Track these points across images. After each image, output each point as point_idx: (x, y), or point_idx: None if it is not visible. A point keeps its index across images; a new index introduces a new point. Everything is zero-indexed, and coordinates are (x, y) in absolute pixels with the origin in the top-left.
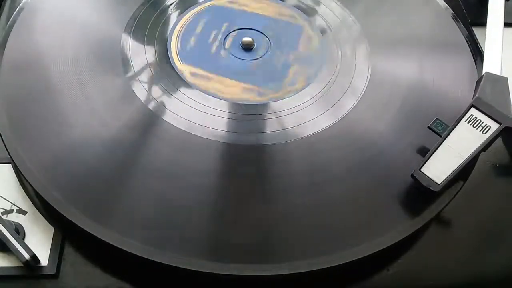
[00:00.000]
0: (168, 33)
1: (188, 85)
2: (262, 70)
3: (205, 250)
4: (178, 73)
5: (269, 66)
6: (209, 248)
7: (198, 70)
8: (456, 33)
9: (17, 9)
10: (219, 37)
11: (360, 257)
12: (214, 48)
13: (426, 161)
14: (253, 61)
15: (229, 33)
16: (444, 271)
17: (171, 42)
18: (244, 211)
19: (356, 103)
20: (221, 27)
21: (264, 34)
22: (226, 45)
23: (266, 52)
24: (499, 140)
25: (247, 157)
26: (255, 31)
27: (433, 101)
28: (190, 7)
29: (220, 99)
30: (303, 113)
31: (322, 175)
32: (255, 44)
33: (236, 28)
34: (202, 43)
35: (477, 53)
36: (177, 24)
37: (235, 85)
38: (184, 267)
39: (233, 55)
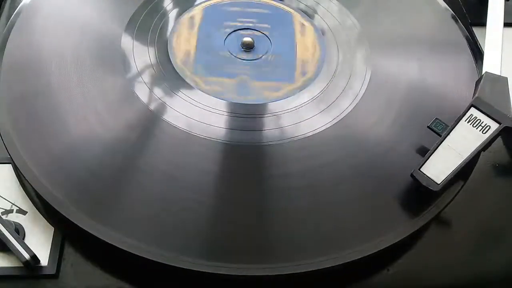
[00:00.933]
0: (169, 33)
1: (188, 85)
2: (271, 66)
3: (205, 250)
4: (179, 73)
5: (276, 61)
6: (209, 248)
7: (211, 78)
8: (456, 33)
9: (17, 9)
10: (224, 38)
11: (360, 257)
12: (220, 52)
13: (426, 161)
14: (258, 60)
15: (229, 34)
16: (444, 271)
17: (172, 42)
18: (244, 211)
19: (356, 103)
20: (222, 27)
21: (264, 34)
22: (231, 48)
23: (267, 51)
24: (499, 140)
25: (247, 158)
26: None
27: (433, 101)
28: (190, 7)
29: (221, 99)
30: (303, 114)
31: (322, 175)
32: (255, 44)
33: (236, 28)
34: (207, 47)
35: (477, 53)
36: (177, 23)
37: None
38: (184, 267)
39: (238, 58)
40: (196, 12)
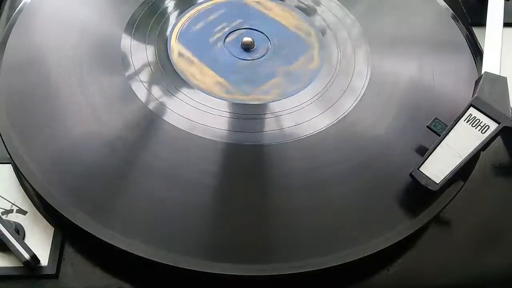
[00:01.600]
0: (168, 32)
1: (188, 85)
2: (245, 72)
3: (205, 250)
4: (178, 72)
5: (254, 70)
6: (209, 248)
7: (187, 52)
8: (456, 33)
9: (17, 9)
10: (225, 30)
11: (360, 257)
12: (214, 38)
13: (425, 160)
14: (243, 61)
15: (236, 29)
16: (444, 271)
17: (172, 42)
18: (244, 211)
19: (355, 103)
20: (233, 21)
21: (269, 40)
22: (227, 39)
23: (261, 57)
24: (499, 140)
25: (247, 157)
26: (262, 35)
27: (433, 101)
28: (190, 6)
29: (221, 99)
30: (303, 113)
31: (322, 175)
32: (255, 45)
33: (246, 27)
34: (206, 31)
35: (477, 53)
36: (177, 23)
37: (211, 76)
38: (184, 267)
39: (227, 50)
40: (195, 12)
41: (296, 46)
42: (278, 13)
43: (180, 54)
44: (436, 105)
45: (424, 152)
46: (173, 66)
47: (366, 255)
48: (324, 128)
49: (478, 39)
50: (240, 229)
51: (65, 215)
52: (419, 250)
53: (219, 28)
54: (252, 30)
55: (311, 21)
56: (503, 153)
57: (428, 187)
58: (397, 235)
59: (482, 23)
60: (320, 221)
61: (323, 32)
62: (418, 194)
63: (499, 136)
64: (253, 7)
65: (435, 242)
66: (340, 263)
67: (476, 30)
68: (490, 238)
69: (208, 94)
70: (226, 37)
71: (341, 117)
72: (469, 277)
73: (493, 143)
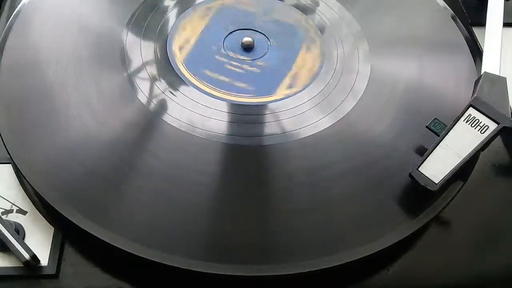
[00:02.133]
0: (169, 32)
1: (188, 84)
2: (245, 71)
3: (205, 250)
4: (178, 72)
5: (254, 70)
6: (209, 248)
7: (212, 78)
8: (455, 33)
9: (17, 9)
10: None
11: (360, 257)
12: (221, 51)
13: (424, 160)
14: (243, 61)
15: (236, 30)
16: (444, 271)
17: (172, 41)
18: (244, 211)
19: (355, 103)
20: (225, 29)
21: (268, 38)
22: (227, 40)
23: (261, 56)
24: (499, 140)
25: (247, 157)
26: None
27: (432, 101)
28: (190, 6)
29: (221, 99)
30: (302, 113)
31: (322, 175)
32: (255, 45)
33: (246, 27)
34: (208, 47)
35: (477, 53)
36: (178, 23)
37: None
38: (184, 267)
39: (228, 50)
40: (211, 6)
41: (293, 36)
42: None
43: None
44: (435, 105)
45: (423, 152)
46: (172, 66)
47: (366, 255)
48: (324, 128)
49: (478, 39)
50: (240, 229)
51: (65, 215)
52: (419, 250)
53: (216, 40)
54: (251, 30)
55: (314, 21)
56: (503, 153)
57: (427, 187)
58: (397, 235)
59: (482, 23)
60: (320, 221)
61: (322, 31)
62: (418, 194)
63: (499, 136)
64: (241, 8)
65: (435, 242)
66: (340, 263)
67: (476, 30)
68: (490, 238)
69: (207, 94)
70: (225, 38)
71: (341, 116)
72: (469, 277)
73: (493, 143)
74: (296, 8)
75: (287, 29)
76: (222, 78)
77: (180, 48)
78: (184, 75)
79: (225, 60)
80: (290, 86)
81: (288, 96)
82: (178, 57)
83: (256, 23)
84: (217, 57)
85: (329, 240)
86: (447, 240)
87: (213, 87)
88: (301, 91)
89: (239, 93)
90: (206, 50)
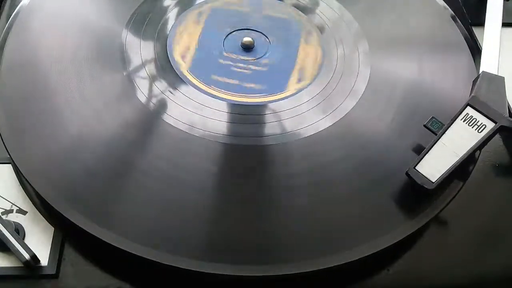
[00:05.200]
0: (169, 31)
1: (187, 84)
2: (245, 71)
3: (205, 250)
4: (178, 72)
5: (254, 70)
6: (209, 248)
7: (212, 78)
8: (455, 33)
9: (17, 8)
10: (223, 37)
11: (360, 257)
12: (221, 51)
13: (421, 159)
14: (243, 60)
15: (236, 30)
16: (444, 271)
17: (173, 41)
18: (244, 211)
19: (355, 103)
20: (225, 29)
21: (267, 37)
22: (227, 40)
23: (261, 56)
24: (499, 140)
25: (246, 157)
26: (261, 34)
27: (432, 101)
28: (190, 6)
29: (221, 99)
30: (302, 113)
31: (322, 175)
32: (254, 45)
33: (244, 27)
34: (208, 47)
35: (476, 53)
36: (178, 23)
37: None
38: (184, 267)
39: (227, 50)
40: (201, 10)
41: (289, 30)
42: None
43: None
44: (436, 105)
45: (421, 151)
46: (172, 65)
47: (366, 255)
48: (324, 127)
49: (478, 39)
50: (240, 229)
51: (65, 215)
52: (419, 250)
53: (216, 39)
54: (247, 30)
55: (313, 21)
56: (503, 153)
57: (424, 185)
58: (397, 235)
59: (482, 23)
60: (320, 221)
61: (322, 31)
62: (418, 194)
63: (499, 136)
64: (234, 9)
65: (435, 242)
66: (340, 263)
67: (476, 30)
68: (490, 238)
69: (207, 94)
70: (224, 40)
71: (341, 116)
72: (469, 277)
73: (493, 143)
74: (296, 8)
75: (282, 24)
76: (231, 81)
77: (182, 57)
78: (184, 74)
79: (230, 62)
80: (299, 80)
81: (300, 90)
82: (183, 66)
83: (250, 22)
84: (221, 61)
85: (329, 240)
86: (447, 240)
87: (224, 91)
88: (311, 83)
89: (251, 94)
90: (208, 56)
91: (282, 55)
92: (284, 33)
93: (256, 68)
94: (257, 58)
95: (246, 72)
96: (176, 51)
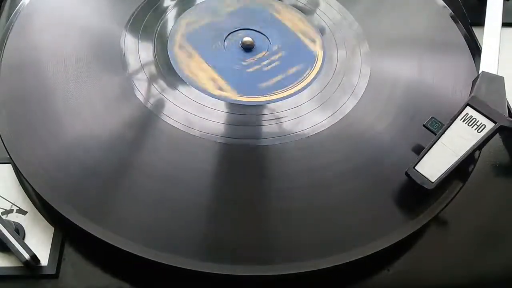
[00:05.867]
0: (168, 32)
1: (186, 84)
2: (245, 71)
3: (205, 250)
4: (178, 72)
5: (254, 70)
6: (208, 248)
7: (187, 45)
8: (455, 33)
9: (16, 8)
10: (230, 31)
11: (360, 257)
12: (218, 37)
13: (421, 159)
14: (243, 60)
15: (236, 30)
16: (444, 271)
17: (172, 41)
18: (244, 211)
19: (355, 103)
20: (238, 24)
21: (269, 41)
22: (228, 39)
23: (261, 57)
24: (499, 140)
25: (245, 157)
26: (264, 36)
27: (432, 101)
28: (189, 7)
29: (221, 99)
30: (302, 114)
31: (322, 176)
32: (255, 45)
33: (251, 28)
34: (211, 30)
35: (476, 53)
36: (177, 23)
37: (206, 71)
38: (184, 267)
39: (227, 50)
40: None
41: (300, 53)
42: (286, 16)
43: (181, 46)
44: (436, 105)
45: (421, 151)
46: (172, 66)
47: (366, 255)
48: (324, 128)
49: (478, 39)
50: (239, 229)
51: (65, 215)
52: (419, 250)
53: (224, 29)
54: (256, 32)
55: (313, 22)
56: (503, 153)
57: (424, 185)
58: (397, 235)
59: (482, 23)
60: (320, 221)
61: (322, 32)
62: (418, 194)
63: (499, 136)
64: (265, 9)
65: (435, 242)
66: (340, 263)
67: (476, 30)
68: (490, 238)
69: (207, 94)
70: (226, 37)
71: (341, 117)
72: (469, 277)
73: (493, 143)
74: (296, 8)
75: (254, 8)
76: (221, 76)
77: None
78: (184, 74)
79: (226, 59)
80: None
81: (300, 90)
82: (178, 56)
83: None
84: (217, 56)
85: (329, 240)
86: (447, 240)
87: (277, 91)
88: (311, 83)
89: (297, 80)
90: (206, 49)
91: (281, 41)
92: (259, 17)
93: (272, 58)
94: (264, 54)
95: (268, 68)
96: (177, 51)
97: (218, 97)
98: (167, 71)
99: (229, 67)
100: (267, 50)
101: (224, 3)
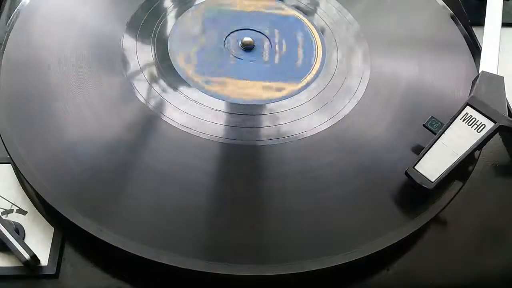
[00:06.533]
0: (168, 32)
1: (187, 84)
2: (245, 71)
3: (204, 250)
4: (178, 72)
5: (254, 70)
6: (208, 248)
7: (212, 78)
8: (455, 33)
9: (17, 8)
10: (224, 40)
11: (360, 257)
12: (221, 52)
13: (420, 158)
14: (243, 61)
15: (230, 34)
16: (444, 271)
17: (172, 41)
18: (244, 211)
19: (355, 103)
20: (224, 30)
21: (268, 38)
22: (227, 40)
23: (261, 56)
24: (499, 140)
25: (245, 158)
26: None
27: (432, 101)
28: (189, 7)
29: (221, 99)
30: (301, 114)
31: (322, 176)
32: (254, 44)
33: (238, 28)
34: (208, 49)
35: (476, 53)
36: (177, 23)
37: (252, 85)
38: (183, 267)
39: (227, 50)
40: (198, 12)
41: (290, 25)
42: (246, 3)
43: (207, 81)
44: (436, 105)
45: (420, 150)
46: (172, 65)
47: (366, 255)
48: (324, 128)
49: (478, 39)
50: (238, 229)
51: (65, 215)
52: (419, 250)
53: (217, 41)
54: (247, 30)
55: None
56: (503, 153)
57: (423, 185)
58: (397, 235)
59: (482, 23)
60: (320, 221)
61: (322, 31)
62: (418, 194)
63: (499, 136)
64: (228, 9)
65: (435, 242)
66: (340, 263)
67: (476, 30)
68: (490, 238)
69: (207, 94)
70: (225, 38)
71: (340, 117)
72: (469, 277)
73: (493, 143)
74: (297, 8)
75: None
76: (221, 77)
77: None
78: (184, 74)
79: (226, 59)
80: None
81: (299, 91)
82: (178, 56)
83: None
84: (217, 56)
85: (328, 240)
86: (447, 240)
87: (212, 86)
88: (310, 84)
89: (239, 92)
90: (206, 49)
91: (279, 31)
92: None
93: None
94: (266, 51)
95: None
96: (177, 51)
97: (218, 97)
98: (167, 71)
99: (229, 66)
100: (268, 46)
101: (224, 4)
